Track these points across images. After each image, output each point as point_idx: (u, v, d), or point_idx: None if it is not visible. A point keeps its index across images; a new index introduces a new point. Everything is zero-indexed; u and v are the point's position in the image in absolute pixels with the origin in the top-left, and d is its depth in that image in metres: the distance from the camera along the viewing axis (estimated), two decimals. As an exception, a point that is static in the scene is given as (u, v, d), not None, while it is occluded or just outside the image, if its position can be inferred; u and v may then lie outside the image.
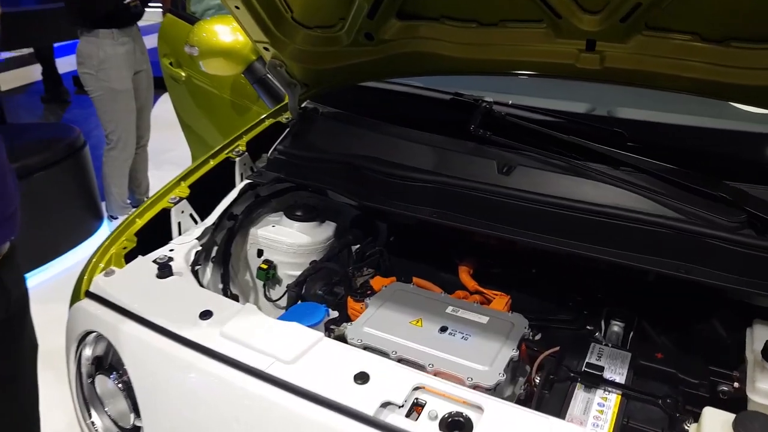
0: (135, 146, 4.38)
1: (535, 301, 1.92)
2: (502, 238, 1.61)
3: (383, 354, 1.51)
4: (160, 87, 4.32)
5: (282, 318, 1.50)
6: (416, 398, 1.21)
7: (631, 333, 1.81)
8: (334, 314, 1.64)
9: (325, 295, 1.95)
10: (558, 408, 1.30)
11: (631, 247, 1.50)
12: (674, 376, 1.36)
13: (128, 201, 4.58)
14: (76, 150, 4.25)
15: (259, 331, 1.36)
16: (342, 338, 1.62)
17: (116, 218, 4.45)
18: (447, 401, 1.20)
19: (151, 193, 4.71)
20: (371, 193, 1.81)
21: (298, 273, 1.97)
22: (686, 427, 1.24)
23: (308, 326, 1.47)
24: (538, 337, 1.90)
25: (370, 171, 1.82)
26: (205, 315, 1.42)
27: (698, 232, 1.45)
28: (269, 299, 2.04)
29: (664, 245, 1.48)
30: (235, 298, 1.98)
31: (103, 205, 4.56)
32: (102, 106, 4.15)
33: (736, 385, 1.42)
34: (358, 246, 2.12)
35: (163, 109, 4.92)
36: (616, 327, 1.81)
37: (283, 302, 2.00)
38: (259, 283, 2.05)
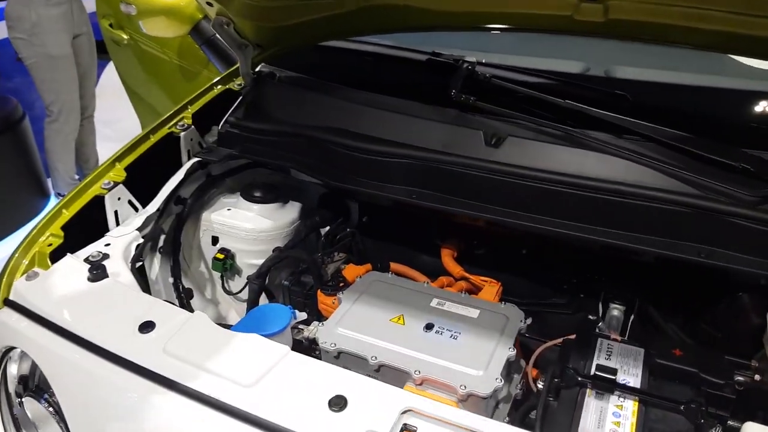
0: (79, 118, 4.02)
1: (526, 284, 1.73)
2: (491, 220, 1.40)
3: (361, 360, 1.31)
4: (105, 52, 3.95)
5: (239, 326, 1.28)
6: (405, 424, 1.00)
7: (632, 317, 1.65)
8: (302, 315, 1.42)
9: (291, 286, 1.73)
10: (568, 421, 1.12)
11: (642, 229, 1.31)
12: (695, 376, 1.19)
13: (76, 177, 4.24)
14: (13, 123, 3.87)
15: (210, 346, 1.14)
16: (312, 342, 1.41)
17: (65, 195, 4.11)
18: (442, 427, 1.00)
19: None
20: (340, 171, 1.57)
21: (260, 262, 1.74)
22: (713, 436, 1.08)
23: (271, 334, 1.25)
24: (528, 321, 1.73)
25: (337, 145, 1.58)
26: (146, 327, 1.18)
27: (717, 209, 1.26)
28: (228, 292, 1.80)
29: (678, 225, 1.29)
30: (189, 293, 1.74)
31: (49, 182, 4.21)
32: (39, 74, 3.76)
33: (757, 377, 1.26)
34: (327, 228, 1.89)
35: (111, 76, 4.53)
36: (616, 311, 1.64)
37: (244, 295, 1.77)
38: (216, 275, 1.81)
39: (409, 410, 1.01)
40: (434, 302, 1.46)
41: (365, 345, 1.33)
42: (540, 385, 1.29)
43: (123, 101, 4.12)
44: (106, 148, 4.42)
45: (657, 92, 1.55)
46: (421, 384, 1.26)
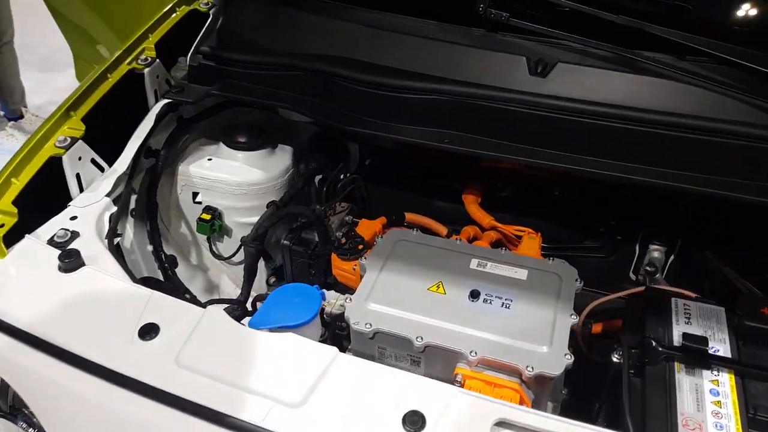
0: (-4, 44, 3.50)
1: (556, 228, 1.55)
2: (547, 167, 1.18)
3: (404, 340, 1.11)
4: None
5: (260, 317, 1.04)
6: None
7: (671, 257, 1.51)
8: (331, 295, 1.19)
9: (292, 246, 1.50)
10: (662, 403, 0.96)
11: (722, 170, 1.12)
12: (790, 338, 1.05)
13: (1, 113, 3.76)
14: None
15: (235, 353, 0.91)
16: (335, 318, 1.20)
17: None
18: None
19: (31, 99, 3.88)
20: (347, 111, 1.31)
21: (252, 220, 1.49)
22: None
23: (300, 325, 1.03)
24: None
25: (341, 78, 1.31)
26: (149, 332, 0.94)
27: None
28: (218, 257, 1.56)
29: (761, 164, 1.11)
30: (173, 261, 1.49)
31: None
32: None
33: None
34: (323, 175, 1.64)
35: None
36: (656, 252, 1.50)
37: (237, 257, 1.53)
38: (202, 237, 1.55)
39: (505, 422, 0.83)
40: (474, 263, 1.26)
41: (406, 322, 1.13)
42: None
43: (46, 20, 3.58)
44: (32, 78, 3.91)
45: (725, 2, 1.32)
46: (476, 365, 1.09)
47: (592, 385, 1.23)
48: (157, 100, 1.46)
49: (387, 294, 1.19)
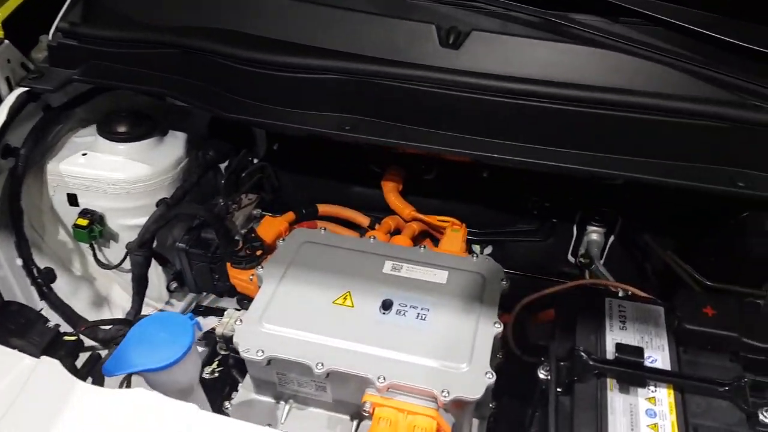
0: None
1: (487, 211, 1.41)
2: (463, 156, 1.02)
3: (302, 367, 0.95)
4: None
5: (118, 359, 0.86)
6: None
7: (611, 239, 1.38)
8: (208, 321, 1.02)
9: (189, 249, 1.32)
10: (591, 428, 0.84)
11: (657, 153, 0.98)
12: (735, 341, 0.93)
13: None
14: None
15: (66, 421, 0.73)
16: (228, 340, 1.03)
17: None
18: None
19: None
20: (237, 96, 1.11)
21: (141, 221, 1.29)
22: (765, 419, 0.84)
23: (168, 366, 0.85)
24: (487, 251, 1.44)
25: (228, 58, 1.10)
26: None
27: (758, 120, 0.94)
28: (104, 266, 1.36)
29: (706, 144, 0.97)
30: (49, 274, 1.29)
31: None
32: None
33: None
34: (227, 163, 1.44)
35: None
36: (595, 234, 1.37)
37: (127, 264, 1.34)
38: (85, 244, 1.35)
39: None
40: (387, 267, 1.10)
41: (305, 346, 0.97)
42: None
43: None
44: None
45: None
46: (387, 391, 0.94)
47: (529, 386, 1.11)
48: (11, 89, 1.23)
49: (285, 311, 1.02)
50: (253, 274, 1.13)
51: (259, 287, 1.09)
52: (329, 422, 1.04)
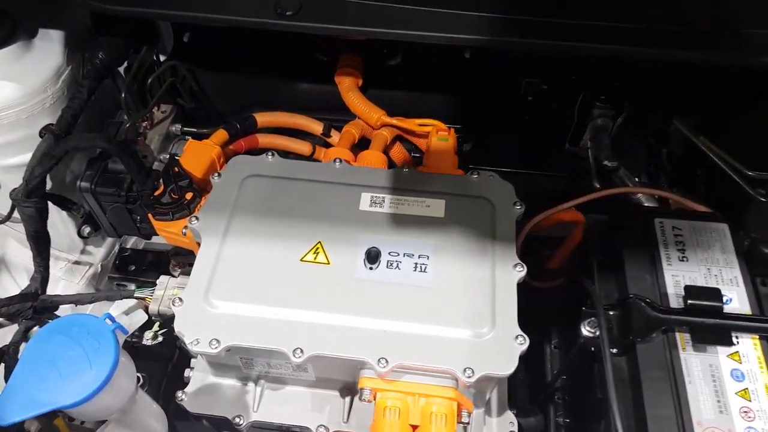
0: None
1: (470, 99, 1.13)
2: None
3: (278, 356, 0.72)
4: None
5: (7, 403, 0.59)
6: None
7: (619, 120, 1.15)
8: (137, 318, 0.74)
9: (96, 188, 1.01)
10: (669, 404, 0.65)
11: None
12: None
13: None
14: None
15: None
16: (166, 319, 0.78)
17: None
18: None
19: None
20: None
21: (23, 159, 0.97)
22: None
23: (88, 399, 0.59)
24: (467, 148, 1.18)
25: None
26: None
27: None
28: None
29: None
30: None
31: None
32: None
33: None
34: (125, 66, 1.08)
35: None
36: (601, 119, 1.13)
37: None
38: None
39: None
40: (365, 201, 0.83)
41: (272, 325, 0.73)
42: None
43: None
44: None
45: None
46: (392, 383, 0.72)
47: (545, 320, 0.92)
48: None
49: (238, 279, 0.76)
50: (185, 227, 0.84)
51: (198, 245, 0.81)
52: (314, 402, 0.82)
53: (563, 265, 0.93)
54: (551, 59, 1.04)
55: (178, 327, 0.73)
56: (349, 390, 0.82)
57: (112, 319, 0.63)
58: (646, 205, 0.95)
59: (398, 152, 1.05)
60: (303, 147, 1.10)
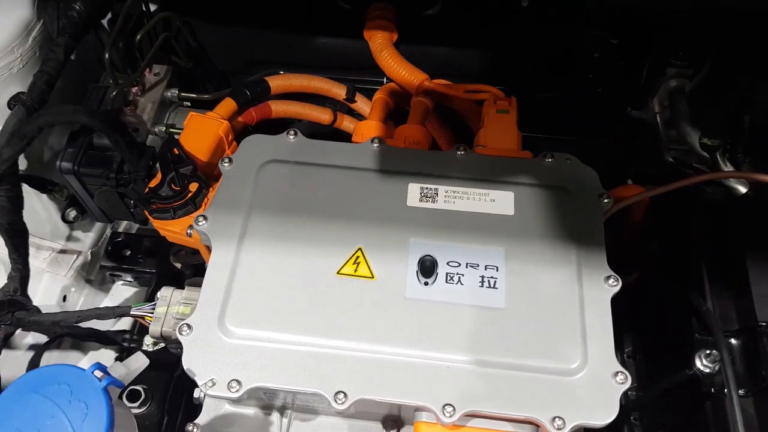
0: None
1: (522, 57, 0.96)
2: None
3: (314, 398, 0.57)
4: None
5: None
6: None
7: (696, 81, 0.97)
8: (139, 362, 0.58)
9: (80, 168, 0.85)
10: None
11: None
12: None
13: None
14: None
15: None
16: (171, 341, 0.63)
17: None
18: None
19: None
20: None
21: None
22: None
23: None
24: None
25: None
26: None
27: None
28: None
29: None
30: None
31: None
32: None
33: None
34: (109, 18, 0.90)
35: None
36: (675, 80, 0.95)
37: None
38: None
39: None
40: (413, 194, 0.67)
41: (306, 360, 0.57)
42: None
43: None
44: None
45: None
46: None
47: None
48: None
49: (259, 299, 0.60)
50: (190, 227, 0.68)
51: (206, 248, 0.65)
52: (352, 434, 0.68)
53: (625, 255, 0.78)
54: (628, 9, 0.85)
55: (188, 364, 0.57)
56: (395, 422, 0.68)
57: (104, 369, 0.48)
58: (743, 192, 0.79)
59: (435, 127, 0.88)
60: (322, 114, 0.93)
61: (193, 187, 0.69)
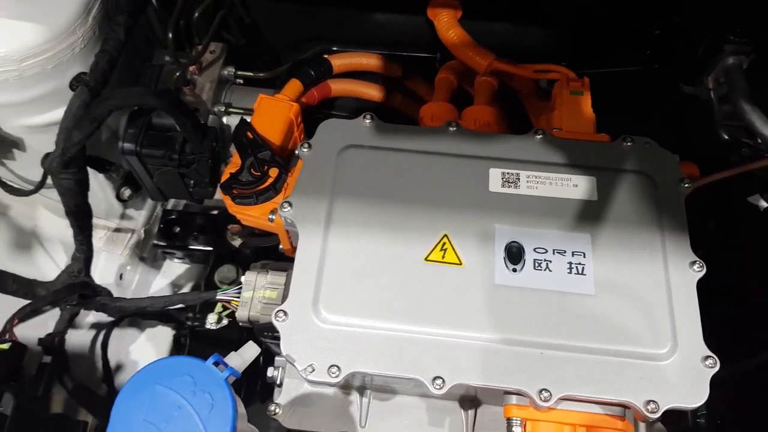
0: None
1: (572, 39, 0.95)
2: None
3: (409, 382, 0.58)
4: None
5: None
6: None
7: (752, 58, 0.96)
8: (250, 351, 0.58)
9: (141, 149, 0.84)
10: None
11: None
12: None
13: None
14: None
15: None
16: (261, 327, 0.64)
17: None
18: None
19: None
20: None
21: (54, 116, 0.80)
22: None
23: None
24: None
25: None
26: None
27: None
28: (18, 192, 0.86)
29: None
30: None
31: None
32: None
33: None
34: None
35: None
36: (732, 57, 0.94)
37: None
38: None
39: None
40: (495, 179, 0.67)
41: (401, 345, 0.59)
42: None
43: None
44: None
45: None
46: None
47: None
48: None
49: (351, 285, 0.61)
50: (273, 211, 0.68)
51: (288, 233, 0.66)
52: (430, 415, 0.70)
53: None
54: None
55: (287, 350, 0.59)
56: (472, 401, 0.70)
57: (221, 361, 0.49)
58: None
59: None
60: (376, 92, 0.93)
61: (273, 172, 0.69)
